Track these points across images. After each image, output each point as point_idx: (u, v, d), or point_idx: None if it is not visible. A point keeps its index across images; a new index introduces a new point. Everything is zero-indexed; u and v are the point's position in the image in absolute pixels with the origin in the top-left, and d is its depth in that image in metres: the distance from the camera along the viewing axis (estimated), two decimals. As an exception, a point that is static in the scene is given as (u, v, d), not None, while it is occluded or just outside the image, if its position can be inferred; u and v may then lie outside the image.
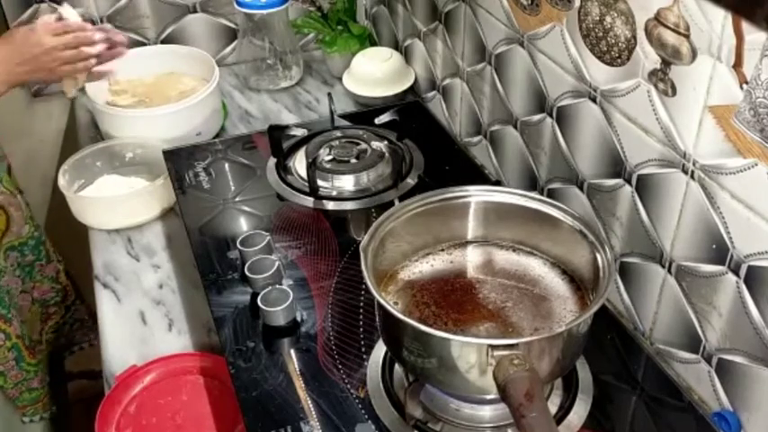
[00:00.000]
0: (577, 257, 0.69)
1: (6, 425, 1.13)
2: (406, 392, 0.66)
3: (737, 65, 0.59)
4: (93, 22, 1.04)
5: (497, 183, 1.00)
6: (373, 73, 1.26)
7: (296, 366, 0.73)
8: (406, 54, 1.29)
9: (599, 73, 0.75)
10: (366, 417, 0.68)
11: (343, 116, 1.13)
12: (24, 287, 1.15)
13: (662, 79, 0.67)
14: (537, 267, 0.72)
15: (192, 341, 0.87)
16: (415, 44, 1.24)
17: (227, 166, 1.05)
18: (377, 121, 1.06)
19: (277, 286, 0.79)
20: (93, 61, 0.98)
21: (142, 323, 0.90)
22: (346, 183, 0.98)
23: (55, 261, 1.25)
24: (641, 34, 0.68)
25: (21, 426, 1.17)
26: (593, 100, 0.78)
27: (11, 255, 1.13)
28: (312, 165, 0.96)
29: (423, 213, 0.71)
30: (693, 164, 0.66)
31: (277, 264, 0.81)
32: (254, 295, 0.79)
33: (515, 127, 0.96)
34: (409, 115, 1.09)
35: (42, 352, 1.21)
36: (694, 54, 0.63)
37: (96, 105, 1.14)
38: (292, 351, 0.76)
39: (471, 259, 0.74)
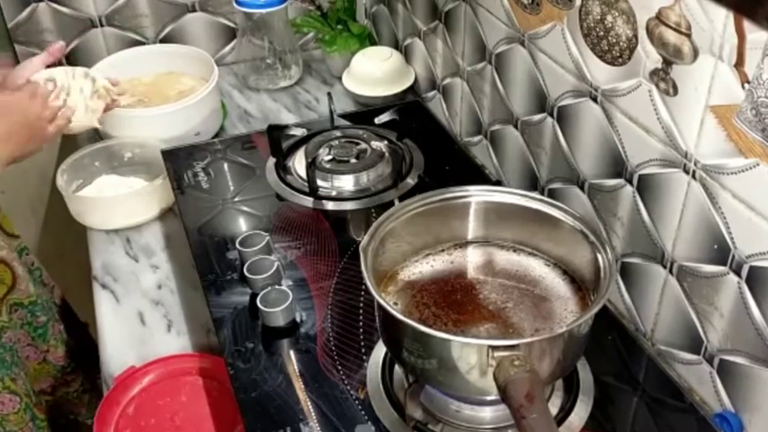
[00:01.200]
0: (578, 258, 0.68)
1: None
2: (406, 393, 0.65)
3: (739, 64, 0.58)
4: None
5: (498, 183, 0.99)
6: (373, 72, 1.25)
7: (295, 367, 0.73)
8: (406, 53, 1.29)
9: (600, 72, 0.75)
10: (366, 418, 0.68)
11: (343, 116, 1.13)
12: (36, 343, 1.09)
13: (663, 79, 0.67)
14: (537, 268, 0.72)
15: (191, 342, 0.87)
16: (415, 43, 1.24)
17: (226, 166, 1.05)
18: (377, 120, 1.06)
19: (276, 287, 0.79)
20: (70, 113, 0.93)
21: (141, 324, 0.90)
22: (346, 183, 0.98)
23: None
24: (642, 33, 0.67)
25: None
26: (594, 99, 0.77)
27: (19, 311, 1.06)
28: (312, 165, 0.96)
29: (423, 213, 0.71)
30: (695, 164, 0.66)
31: (276, 264, 0.81)
32: (254, 296, 0.79)
33: (516, 127, 0.96)
34: (409, 115, 1.09)
35: (47, 404, 1.17)
36: (696, 53, 0.62)
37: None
38: (292, 352, 0.75)
39: (472, 260, 0.73)
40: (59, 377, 1.16)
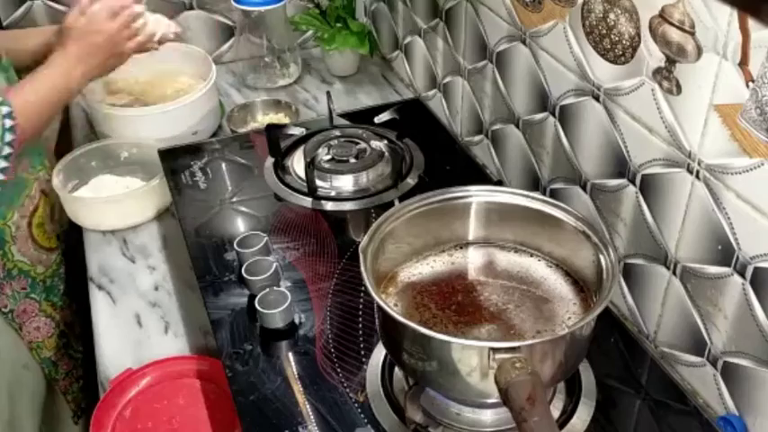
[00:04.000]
0: (580, 259, 0.68)
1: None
2: (406, 396, 0.65)
3: (743, 62, 0.58)
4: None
5: (499, 183, 0.99)
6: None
7: (294, 370, 0.72)
8: (406, 52, 1.28)
9: (602, 71, 0.74)
10: (365, 421, 0.67)
11: (342, 115, 1.12)
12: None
13: (666, 77, 0.66)
14: (539, 269, 0.71)
15: (189, 344, 0.86)
16: (415, 42, 1.23)
17: (224, 165, 1.04)
18: (376, 120, 1.05)
19: (275, 288, 0.78)
20: (151, 29, 0.99)
21: (137, 326, 0.89)
22: (345, 183, 0.97)
23: None
24: (645, 31, 0.67)
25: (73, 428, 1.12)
26: (597, 98, 0.77)
27: (64, 242, 1.08)
28: (310, 164, 0.95)
29: (423, 214, 0.70)
30: (698, 163, 0.65)
31: (275, 265, 0.80)
32: (252, 297, 0.78)
33: (517, 126, 0.95)
34: (409, 114, 1.08)
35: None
36: (699, 52, 0.62)
37: (91, 104, 1.13)
38: (290, 354, 0.75)
39: (472, 261, 0.73)
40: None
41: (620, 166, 0.76)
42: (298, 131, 1.05)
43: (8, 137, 0.84)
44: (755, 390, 0.65)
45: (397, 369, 0.71)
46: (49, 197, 1.04)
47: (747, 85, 0.58)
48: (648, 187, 0.72)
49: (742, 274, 0.63)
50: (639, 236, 0.75)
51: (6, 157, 0.84)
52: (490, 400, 0.61)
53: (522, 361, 0.54)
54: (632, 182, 0.74)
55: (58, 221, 1.08)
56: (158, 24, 1.02)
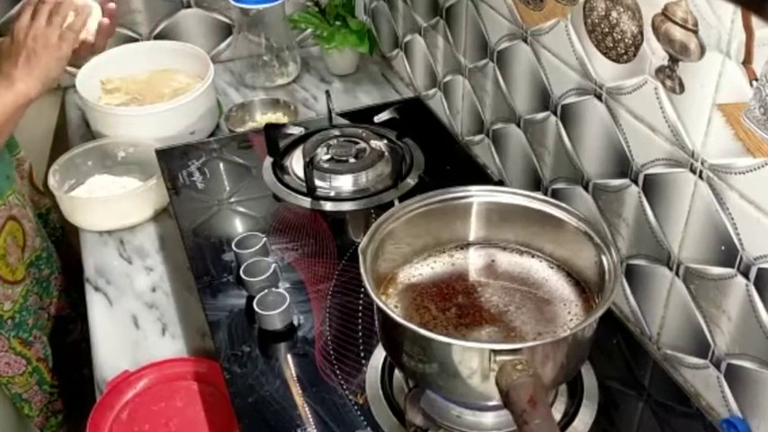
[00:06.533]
0: (582, 259, 0.67)
1: None
2: (406, 398, 0.65)
3: (747, 61, 0.58)
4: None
5: (500, 183, 0.98)
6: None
7: (293, 372, 0.72)
8: (406, 50, 1.28)
9: (604, 70, 0.74)
10: (365, 423, 0.67)
11: (342, 114, 1.12)
12: (42, 304, 1.07)
13: (669, 76, 0.66)
14: (541, 270, 0.70)
15: (186, 346, 0.86)
16: (415, 40, 1.23)
17: (222, 165, 1.03)
18: (376, 119, 1.04)
19: (273, 289, 0.78)
20: (88, 11, 0.91)
21: (135, 327, 0.89)
22: (345, 183, 0.96)
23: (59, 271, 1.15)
24: (648, 30, 0.66)
25: None
26: (599, 98, 0.76)
27: (31, 271, 1.04)
28: (309, 164, 0.94)
29: (423, 214, 0.70)
30: (702, 163, 0.65)
31: (273, 266, 0.80)
32: (250, 299, 0.78)
33: (518, 125, 0.95)
34: (409, 113, 1.08)
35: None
36: (703, 50, 0.61)
37: (88, 103, 1.12)
38: (289, 356, 0.74)
39: (473, 261, 0.72)
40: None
41: (622, 165, 0.75)
42: (296, 131, 1.04)
43: None
44: (759, 392, 0.64)
45: (396, 371, 0.71)
46: (20, 223, 0.99)
47: (751, 84, 0.58)
48: (651, 187, 0.72)
49: (746, 275, 0.63)
50: (642, 236, 0.75)
51: None
52: (491, 403, 0.61)
53: (524, 363, 0.54)
54: (635, 182, 0.74)
55: (31, 247, 1.03)
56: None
